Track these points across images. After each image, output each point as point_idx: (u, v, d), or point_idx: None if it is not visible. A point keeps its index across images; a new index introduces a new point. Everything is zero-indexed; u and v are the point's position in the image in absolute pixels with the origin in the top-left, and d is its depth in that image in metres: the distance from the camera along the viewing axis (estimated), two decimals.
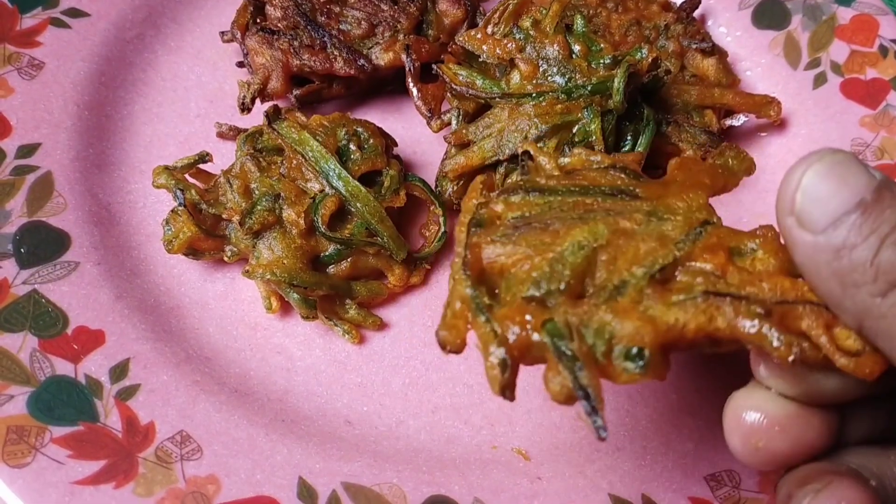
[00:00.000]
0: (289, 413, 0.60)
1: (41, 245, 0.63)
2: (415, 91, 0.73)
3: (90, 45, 0.75)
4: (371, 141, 0.67)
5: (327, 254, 0.64)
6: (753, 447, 0.45)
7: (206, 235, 0.63)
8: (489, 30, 0.70)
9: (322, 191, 0.64)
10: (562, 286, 0.43)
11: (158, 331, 0.62)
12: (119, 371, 0.59)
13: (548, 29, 0.67)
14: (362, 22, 0.75)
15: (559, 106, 0.65)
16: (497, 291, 0.45)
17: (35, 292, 0.61)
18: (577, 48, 0.67)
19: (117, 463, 0.54)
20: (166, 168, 0.65)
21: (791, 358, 0.40)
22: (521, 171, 0.54)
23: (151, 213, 0.69)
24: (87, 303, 0.62)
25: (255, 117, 0.72)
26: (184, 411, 0.58)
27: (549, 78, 0.66)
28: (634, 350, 0.41)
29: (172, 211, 0.63)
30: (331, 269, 0.64)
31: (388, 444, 0.60)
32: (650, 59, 0.67)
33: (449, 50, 0.71)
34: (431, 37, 0.76)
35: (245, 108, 0.71)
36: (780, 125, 0.76)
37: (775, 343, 0.40)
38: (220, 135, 0.73)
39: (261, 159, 0.65)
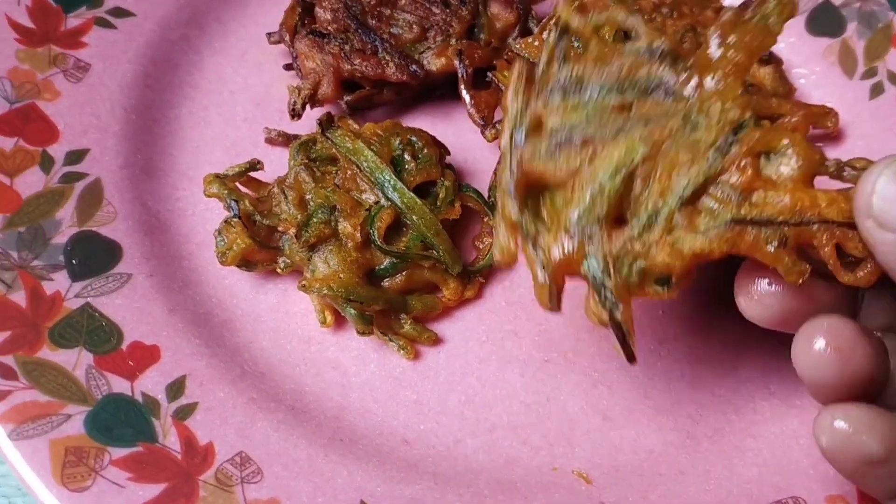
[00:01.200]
0: (346, 432, 0.59)
1: (93, 256, 0.62)
2: (468, 98, 0.71)
3: (136, 46, 0.73)
4: (426, 150, 0.66)
5: (382, 267, 0.63)
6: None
7: (259, 247, 0.62)
8: (545, 36, 0.68)
9: (377, 202, 0.63)
10: (600, 218, 0.49)
11: (213, 345, 0.61)
12: (176, 389, 0.58)
13: (607, 37, 0.65)
14: (414, 26, 0.73)
15: None
16: (541, 205, 0.50)
17: (88, 306, 0.60)
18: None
19: (178, 486, 0.53)
20: (217, 176, 0.63)
21: (800, 282, 0.48)
22: (559, 52, 0.52)
23: (200, 222, 0.68)
24: (140, 317, 0.61)
25: (304, 123, 0.71)
26: (242, 431, 0.57)
27: None
28: (663, 278, 0.48)
29: (226, 222, 0.62)
30: (385, 283, 0.63)
31: (446, 464, 0.59)
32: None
33: (505, 57, 0.69)
34: (483, 41, 0.74)
35: (295, 115, 0.70)
36: (835, 136, 0.75)
37: (789, 267, 0.47)
38: (269, 140, 0.72)
39: (315, 169, 0.64)
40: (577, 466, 0.59)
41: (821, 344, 0.47)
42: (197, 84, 0.74)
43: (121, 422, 0.56)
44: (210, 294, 0.64)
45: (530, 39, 0.67)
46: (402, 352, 0.63)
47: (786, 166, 0.48)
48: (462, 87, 0.71)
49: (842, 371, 0.46)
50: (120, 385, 0.57)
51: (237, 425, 0.57)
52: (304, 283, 0.61)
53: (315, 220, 0.62)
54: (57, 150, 0.66)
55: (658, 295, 0.49)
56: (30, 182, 0.64)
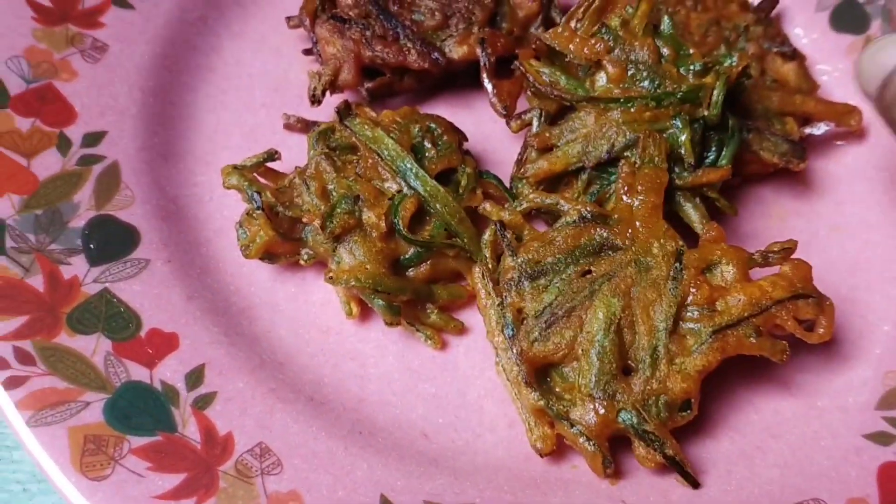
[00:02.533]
0: (365, 424, 0.59)
1: (111, 241, 0.61)
2: (490, 87, 0.70)
3: (153, 26, 0.72)
4: (445, 137, 0.65)
5: (407, 257, 0.62)
6: None
7: (283, 239, 0.61)
8: (573, 25, 0.67)
9: (400, 191, 0.62)
10: (613, 374, 0.55)
11: (231, 334, 0.61)
12: (195, 377, 0.57)
13: (637, 30, 0.65)
14: (436, 13, 0.72)
15: (647, 113, 0.63)
16: (550, 381, 0.57)
17: (107, 291, 0.59)
18: (665, 51, 0.64)
19: (198, 476, 0.53)
20: (235, 168, 0.63)
21: (783, 359, 0.57)
22: (508, 250, 0.59)
23: (218, 208, 0.67)
24: (158, 303, 0.60)
25: (322, 109, 0.70)
26: (262, 422, 0.56)
27: (638, 82, 0.64)
28: (685, 403, 0.56)
29: (247, 214, 0.61)
30: (410, 273, 0.62)
31: (466, 459, 0.58)
32: (741, 67, 0.65)
33: (534, 46, 0.68)
34: (505, 30, 0.73)
35: (315, 101, 0.69)
36: (859, 135, 0.74)
37: (772, 349, 0.56)
38: (288, 126, 0.71)
39: (335, 158, 0.63)
40: None
41: None
42: (215, 67, 0.73)
43: (140, 410, 0.55)
44: (228, 282, 0.64)
45: (559, 29, 0.66)
46: (429, 342, 0.62)
47: (727, 272, 0.58)
48: (484, 75, 0.70)
49: None
50: (139, 373, 0.56)
51: (256, 416, 0.57)
52: (331, 275, 0.60)
53: (339, 210, 0.61)
54: (74, 132, 0.65)
55: (685, 419, 0.56)
56: (47, 164, 0.63)
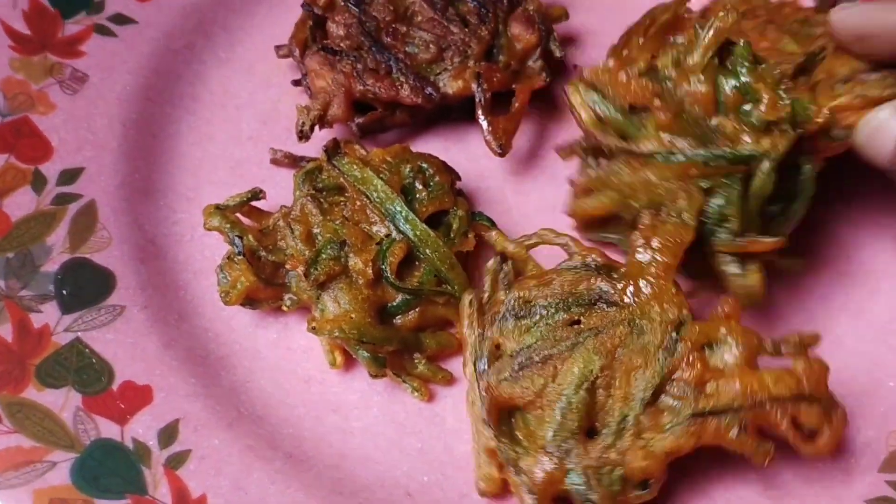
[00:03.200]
0: (346, 483, 0.56)
1: (85, 286, 0.59)
2: (485, 125, 0.67)
3: (137, 55, 0.69)
4: (437, 178, 0.62)
5: (394, 304, 0.59)
6: None
7: (265, 285, 0.59)
8: (625, 53, 0.61)
9: (388, 235, 0.60)
10: (573, 432, 0.51)
11: (209, 385, 0.58)
12: (168, 434, 0.55)
13: (698, 72, 0.56)
14: (430, 45, 0.69)
15: (694, 170, 0.56)
16: (514, 423, 0.53)
17: (79, 341, 0.57)
18: (728, 87, 0.56)
19: None
20: (217, 208, 0.60)
21: (764, 464, 0.51)
22: (502, 283, 0.58)
23: (199, 248, 0.64)
24: (133, 353, 0.58)
25: (312, 143, 0.67)
26: (237, 482, 0.54)
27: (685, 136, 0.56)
28: (642, 482, 0.51)
29: (228, 258, 0.59)
30: (397, 320, 0.60)
31: None
32: (821, 120, 0.56)
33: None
34: (502, 63, 0.70)
35: (304, 136, 0.66)
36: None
37: (754, 449, 0.51)
38: (275, 161, 0.68)
39: (322, 200, 0.61)
40: None
41: None
42: (200, 97, 0.71)
43: (109, 471, 0.53)
44: (207, 328, 0.61)
45: (602, 66, 0.60)
46: (416, 394, 0.59)
47: (729, 354, 0.52)
48: (479, 112, 0.68)
49: None
50: (109, 429, 0.54)
51: (232, 476, 0.54)
52: (314, 325, 0.57)
53: (324, 256, 0.58)
54: (50, 169, 0.63)
55: (640, 499, 0.52)
56: (20, 203, 0.61)
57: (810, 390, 0.51)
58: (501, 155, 0.67)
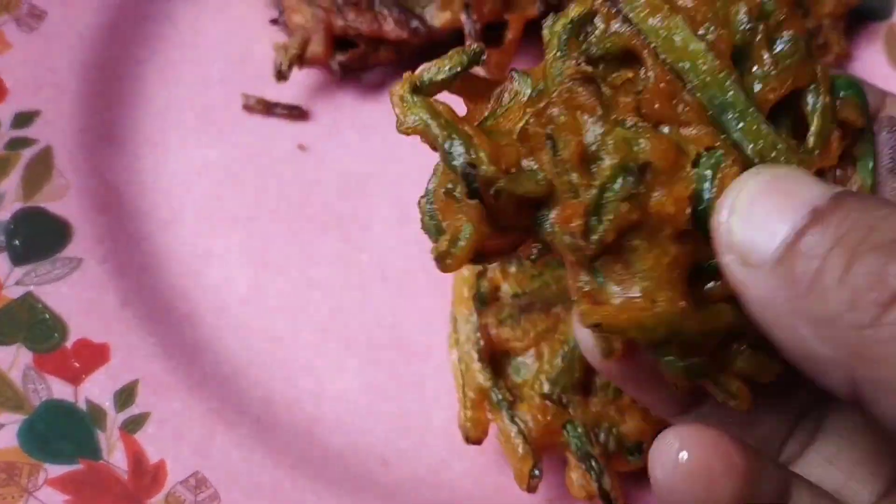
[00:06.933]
0: (317, 450, 0.53)
1: (39, 237, 0.55)
2: None
3: None
4: (789, 31, 0.34)
5: (710, 264, 0.33)
6: None
7: (501, 233, 0.33)
8: None
9: (710, 148, 0.32)
10: (574, 384, 0.48)
11: (171, 344, 0.54)
12: (126, 396, 0.51)
13: None
14: None
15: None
16: (508, 371, 0.50)
17: (30, 295, 0.53)
18: None
19: None
20: (416, 88, 0.33)
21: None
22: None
23: (164, 197, 0.60)
24: (89, 309, 0.54)
25: (289, 88, 0.63)
26: (199, 447, 0.50)
27: None
28: (636, 445, 0.48)
29: (445, 193, 0.34)
30: (709, 288, 0.33)
31: (430, 493, 0.52)
32: None
33: None
34: None
35: (281, 76, 0.62)
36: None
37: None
38: (247, 108, 0.64)
39: (599, 81, 0.33)
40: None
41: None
42: (168, 37, 0.66)
43: (60, 434, 0.49)
44: (171, 283, 0.57)
45: None
46: (733, 402, 0.34)
47: None
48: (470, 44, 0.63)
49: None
50: (62, 390, 0.51)
51: (194, 441, 0.51)
52: (596, 320, 0.32)
53: (612, 194, 0.31)
54: (3, 111, 0.58)
55: (631, 465, 0.49)
56: None
57: None
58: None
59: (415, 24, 0.64)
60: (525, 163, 0.32)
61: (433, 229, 0.34)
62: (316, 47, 0.63)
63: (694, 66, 0.33)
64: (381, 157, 0.63)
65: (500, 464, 0.54)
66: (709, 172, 0.32)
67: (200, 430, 0.51)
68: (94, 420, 0.50)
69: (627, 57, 0.33)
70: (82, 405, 0.50)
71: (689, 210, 0.32)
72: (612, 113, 0.32)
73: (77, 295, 0.54)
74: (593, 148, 0.32)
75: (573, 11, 0.34)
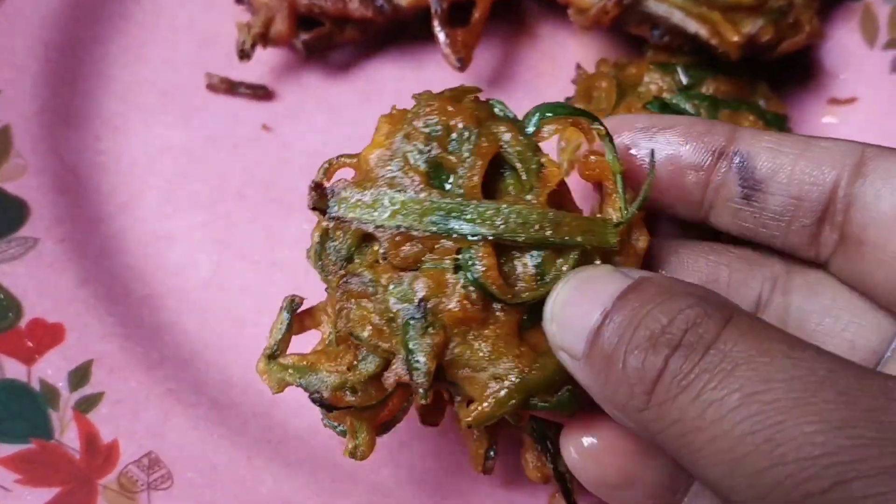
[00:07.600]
0: (276, 431, 0.52)
1: None
2: (442, 37, 0.62)
3: None
4: (464, 133, 0.40)
5: (526, 318, 0.39)
6: None
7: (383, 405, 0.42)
8: None
9: (456, 251, 0.38)
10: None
11: (128, 325, 0.54)
12: (80, 376, 0.51)
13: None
14: None
15: None
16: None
17: None
18: None
19: (73, 490, 0.47)
20: (270, 360, 0.43)
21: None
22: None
23: (124, 179, 0.59)
24: (45, 289, 0.53)
25: (253, 67, 0.62)
26: (153, 428, 0.50)
27: None
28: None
29: (324, 408, 0.41)
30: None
31: (388, 472, 0.52)
32: None
33: None
34: None
35: (245, 56, 0.61)
36: (847, 111, 0.65)
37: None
38: (211, 87, 0.63)
39: (360, 272, 0.39)
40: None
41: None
42: (131, 16, 0.65)
43: (12, 413, 0.49)
44: (130, 265, 0.57)
45: None
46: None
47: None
48: (436, 23, 0.62)
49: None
50: (15, 369, 0.50)
51: (148, 421, 0.50)
52: (469, 419, 0.38)
53: (413, 340, 0.37)
54: None
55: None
56: None
57: None
58: (461, 69, 0.62)
59: (380, 2, 0.63)
60: (361, 353, 0.39)
61: (337, 431, 0.43)
62: (280, 26, 0.62)
63: (402, 208, 0.38)
64: (346, 137, 0.62)
65: (460, 444, 0.53)
66: (467, 263, 0.37)
67: (156, 410, 0.51)
68: (47, 400, 0.49)
69: (367, 237, 0.40)
70: (35, 385, 0.50)
71: (474, 300, 0.37)
72: (380, 283, 0.39)
73: (33, 274, 0.53)
74: (382, 318, 0.38)
75: (314, 238, 0.42)
